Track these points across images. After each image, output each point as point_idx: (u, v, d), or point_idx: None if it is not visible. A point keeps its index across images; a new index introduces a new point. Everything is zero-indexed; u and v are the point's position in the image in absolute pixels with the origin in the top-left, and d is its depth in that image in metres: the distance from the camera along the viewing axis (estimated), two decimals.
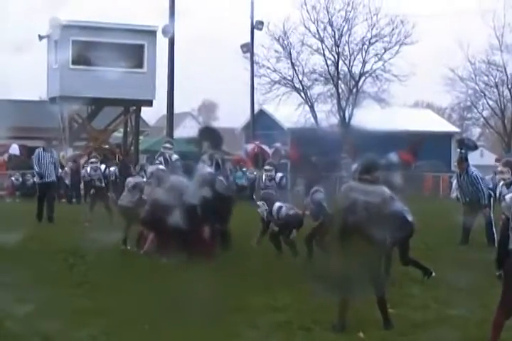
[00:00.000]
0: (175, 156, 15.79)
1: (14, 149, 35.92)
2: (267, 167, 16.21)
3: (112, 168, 21.43)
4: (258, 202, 13.70)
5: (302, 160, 27.31)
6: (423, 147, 38.45)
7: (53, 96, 35.14)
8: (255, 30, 39.95)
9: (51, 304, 9.17)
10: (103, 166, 21.21)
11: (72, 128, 35.41)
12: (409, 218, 11.29)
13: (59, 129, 35.32)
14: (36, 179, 20.97)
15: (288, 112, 42.19)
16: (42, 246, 14.28)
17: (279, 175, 18.77)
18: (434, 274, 11.34)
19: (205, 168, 12.38)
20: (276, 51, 43.01)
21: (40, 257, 12.95)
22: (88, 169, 20.95)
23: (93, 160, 21.42)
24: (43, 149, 20.29)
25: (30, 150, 28.34)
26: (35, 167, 20.29)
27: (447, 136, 48.00)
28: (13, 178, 32.26)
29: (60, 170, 27.78)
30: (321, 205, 12.39)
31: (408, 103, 64.79)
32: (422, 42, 43.12)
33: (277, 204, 13.35)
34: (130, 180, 14.35)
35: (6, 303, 8.83)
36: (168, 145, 16.11)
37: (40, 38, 35.42)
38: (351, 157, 13.45)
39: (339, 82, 43.26)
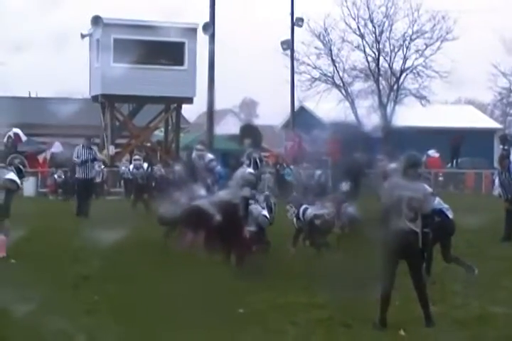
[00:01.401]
0: (209, 156, 15.65)
1: (57, 147, 36.19)
2: (304, 164, 16.06)
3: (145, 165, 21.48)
4: (287, 207, 13.71)
5: (342, 156, 27.31)
6: (463, 144, 38.43)
7: (95, 94, 35.40)
8: (295, 27, 39.82)
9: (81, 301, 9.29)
10: (145, 164, 21.33)
11: (113, 126, 35.55)
12: (450, 215, 11.25)
13: (101, 127, 35.65)
14: (76, 175, 21.13)
15: (328, 109, 42.04)
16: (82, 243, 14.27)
17: (318, 172, 18.67)
18: (476, 271, 11.22)
19: (246, 168, 12.24)
20: (316, 48, 43.01)
21: (82, 254, 12.97)
22: (131, 167, 21.08)
23: (137, 157, 21.57)
24: (82, 146, 20.49)
25: (73, 147, 28.55)
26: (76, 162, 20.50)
27: (490, 133, 47.45)
28: (55, 176, 32.45)
29: (101, 167, 28.05)
30: (355, 218, 12.43)
31: (450, 99, 64.08)
32: (464, 38, 42.79)
33: (303, 206, 13.40)
34: (177, 196, 14.18)
35: (34, 301, 8.87)
36: (199, 146, 15.94)
37: (82, 36, 35.72)
38: (388, 157, 13.42)
39: (380, 78, 43.05)
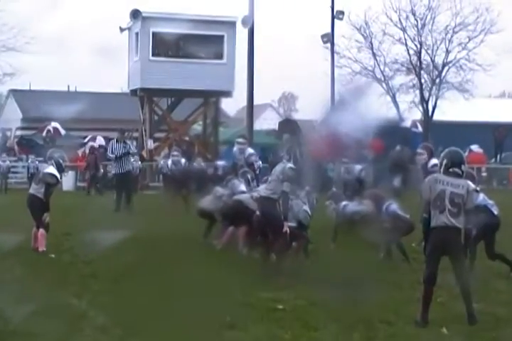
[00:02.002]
0: (249, 151, 15.44)
1: (99, 141, 36.19)
2: (344, 159, 15.72)
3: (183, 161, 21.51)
4: (326, 203, 13.58)
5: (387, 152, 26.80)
6: (507, 138, 37.82)
7: (134, 88, 35.43)
8: (336, 20, 39.32)
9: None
10: (183, 160, 21.33)
11: (152, 120, 35.56)
12: (495, 211, 11.06)
13: (139, 121, 35.62)
14: (113, 171, 21.23)
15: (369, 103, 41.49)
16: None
17: (358, 167, 18.32)
18: None
19: (286, 163, 11.94)
20: (357, 41, 42.38)
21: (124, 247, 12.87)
22: (169, 163, 21.14)
23: (175, 153, 21.66)
24: (116, 140, 20.43)
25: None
26: (110, 157, 20.57)
27: None
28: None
29: (137, 162, 27.94)
30: (399, 215, 12.26)
31: (494, 93, 63.15)
32: (508, 31, 41.83)
33: (343, 202, 13.34)
34: (219, 190, 14.00)
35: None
36: (241, 140, 15.76)
37: (121, 30, 35.74)
38: (428, 152, 13.23)
39: (422, 72, 42.34)
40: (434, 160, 12.61)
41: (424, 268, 8.28)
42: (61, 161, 13.16)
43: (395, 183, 17.78)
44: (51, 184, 12.73)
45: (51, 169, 12.74)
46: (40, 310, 8.17)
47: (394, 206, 12.38)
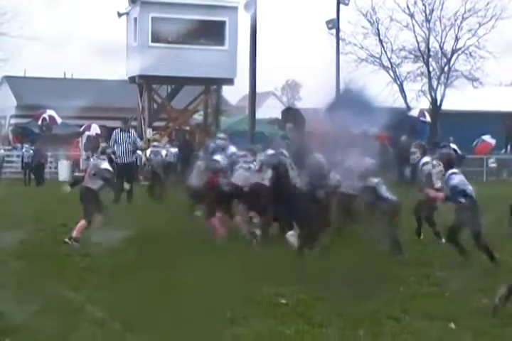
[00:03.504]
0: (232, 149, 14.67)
1: (94, 129, 35.49)
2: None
3: (173, 150, 21.26)
4: None
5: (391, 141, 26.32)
6: None
7: (132, 75, 34.96)
8: (341, 5, 38.52)
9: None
10: (164, 152, 21.76)
11: (151, 108, 35.06)
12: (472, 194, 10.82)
13: (138, 109, 35.03)
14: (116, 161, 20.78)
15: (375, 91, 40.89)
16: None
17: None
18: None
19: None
20: (363, 27, 41.83)
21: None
22: (148, 152, 21.94)
23: (155, 143, 22.74)
24: (120, 130, 20.08)
25: (110, 130, 28.00)
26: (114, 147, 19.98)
27: None
28: (91, 160, 31.87)
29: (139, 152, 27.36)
30: (385, 197, 11.76)
31: (504, 82, 62.40)
32: None
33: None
34: (200, 164, 14.14)
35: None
36: (222, 135, 15.57)
37: (119, 15, 35.17)
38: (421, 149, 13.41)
39: (430, 59, 41.80)
40: (426, 159, 12.81)
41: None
42: (112, 156, 13.75)
43: (406, 174, 18.10)
44: (108, 178, 13.16)
45: (106, 164, 13.14)
46: (36, 304, 8.13)
47: (383, 187, 11.99)
